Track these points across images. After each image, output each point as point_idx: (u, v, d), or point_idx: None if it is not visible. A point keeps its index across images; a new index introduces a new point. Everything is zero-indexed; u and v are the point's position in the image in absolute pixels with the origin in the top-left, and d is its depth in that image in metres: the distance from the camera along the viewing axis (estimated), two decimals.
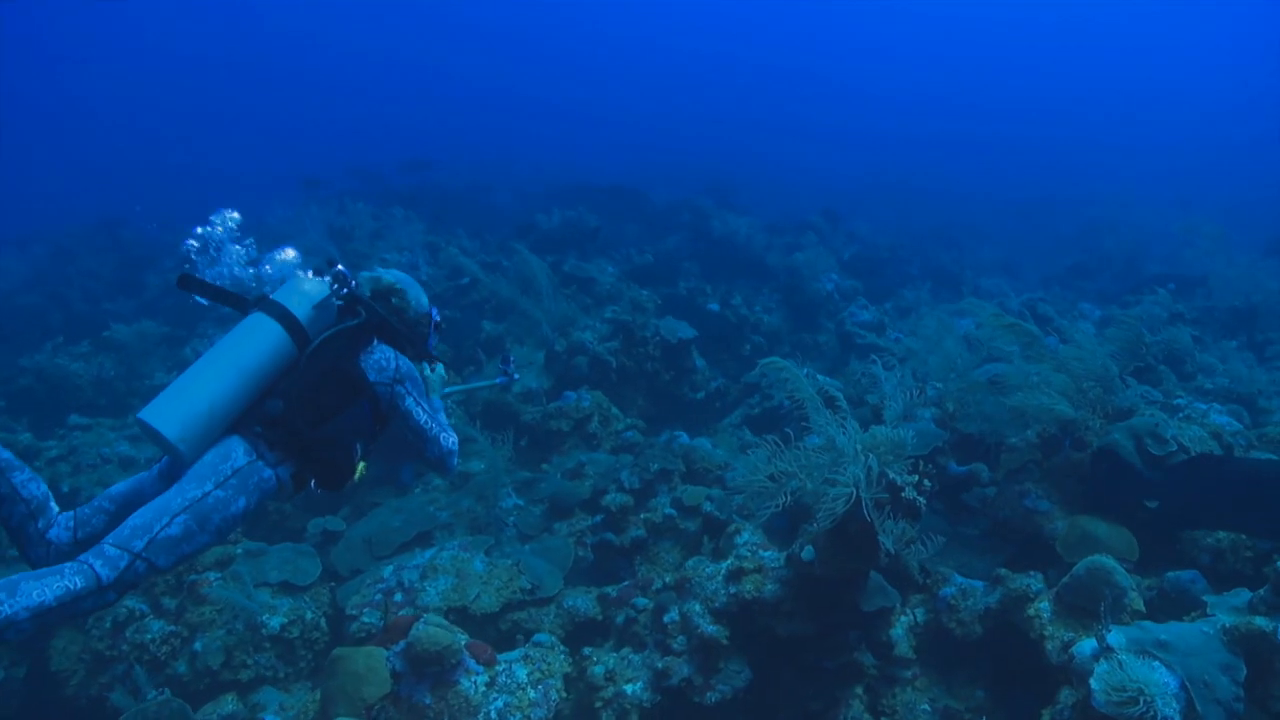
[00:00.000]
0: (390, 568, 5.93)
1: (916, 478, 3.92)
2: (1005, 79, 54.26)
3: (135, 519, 2.42)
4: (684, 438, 7.10)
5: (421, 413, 3.02)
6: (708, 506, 5.65)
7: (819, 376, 6.41)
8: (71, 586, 2.24)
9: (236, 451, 2.60)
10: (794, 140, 41.63)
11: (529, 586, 5.58)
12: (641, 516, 5.98)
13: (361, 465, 2.89)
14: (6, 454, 2.57)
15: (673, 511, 5.84)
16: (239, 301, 2.88)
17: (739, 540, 4.93)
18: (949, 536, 5.80)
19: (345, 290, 2.93)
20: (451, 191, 17.24)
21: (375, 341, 2.98)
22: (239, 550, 5.97)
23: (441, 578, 5.61)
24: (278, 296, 2.82)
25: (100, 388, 10.37)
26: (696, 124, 44.89)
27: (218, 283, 2.90)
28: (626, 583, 5.49)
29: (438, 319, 3.37)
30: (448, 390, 3.65)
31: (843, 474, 3.59)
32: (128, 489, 2.74)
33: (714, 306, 11.50)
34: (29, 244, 18.50)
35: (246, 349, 2.68)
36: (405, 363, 3.02)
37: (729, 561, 4.63)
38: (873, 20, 59.22)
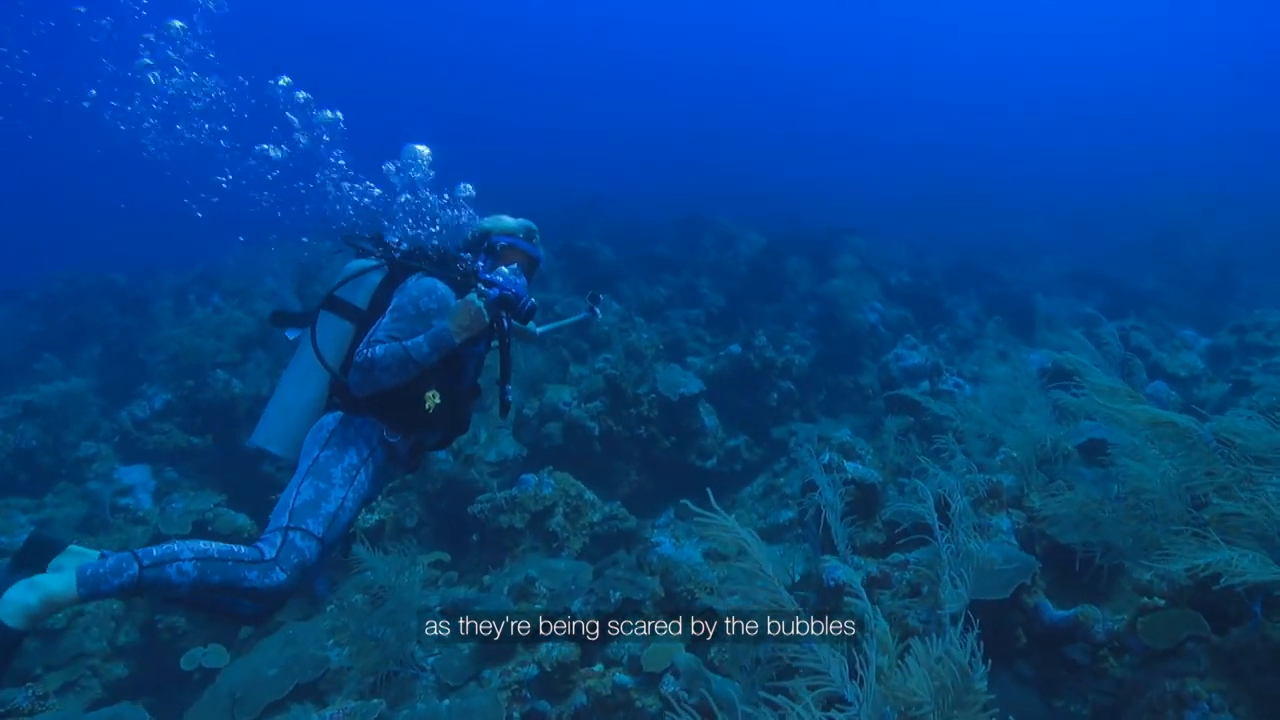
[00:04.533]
0: None
1: None
2: (1053, 83, 51.34)
3: (270, 516, 2.62)
4: (665, 546, 5.25)
5: (378, 330, 2.79)
6: (669, 686, 3.78)
7: (848, 465, 4.52)
8: (235, 548, 2.44)
9: (325, 420, 2.80)
10: (832, 154, 39.46)
11: None
12: (589, 680, 4.15)
13: (431, 394, 2.81)
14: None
15: (626, 680, 3.99)
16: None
17: None
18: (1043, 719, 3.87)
19: (368, 249, 3.04)
20: None
21: (412, 277, 2.93)
22: None
23: None
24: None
25: (20, 460, 8.96)
26: (717, 140, 42.99)
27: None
28: None
29: (499, 240, 3.20)
30: (540, 330, 3.75)
31: None
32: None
33: (734, 348, 9.66)
34: (23, 292, 17.65)
35: (305, 346, 2.91)
36: (415, 289, 2.86)
37: None
38: (912, 31, 56.87)
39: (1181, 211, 20.29)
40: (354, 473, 2.67)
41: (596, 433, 7.04)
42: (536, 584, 5.31)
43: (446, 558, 6.01)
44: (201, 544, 2.40)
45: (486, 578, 5.67)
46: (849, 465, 4.48)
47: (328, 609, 5.82)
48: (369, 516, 6.06)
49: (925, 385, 8.12)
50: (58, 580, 2.22)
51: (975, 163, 34.03)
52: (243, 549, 2.43)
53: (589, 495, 6.27)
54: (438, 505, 7.34)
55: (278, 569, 2.42)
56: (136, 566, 2.28)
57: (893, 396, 7.04)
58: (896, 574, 3.99)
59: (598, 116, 52.44)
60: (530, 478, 6.16)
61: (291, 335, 3.10)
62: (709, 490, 2.91)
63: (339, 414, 2.79)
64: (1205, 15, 48.36)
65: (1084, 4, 51.50)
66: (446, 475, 7.39)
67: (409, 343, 2.69)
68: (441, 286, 2.87)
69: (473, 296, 2.81)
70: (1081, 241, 20.07)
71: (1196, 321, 13.18)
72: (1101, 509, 3.48)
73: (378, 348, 2.66)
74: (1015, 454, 5.20)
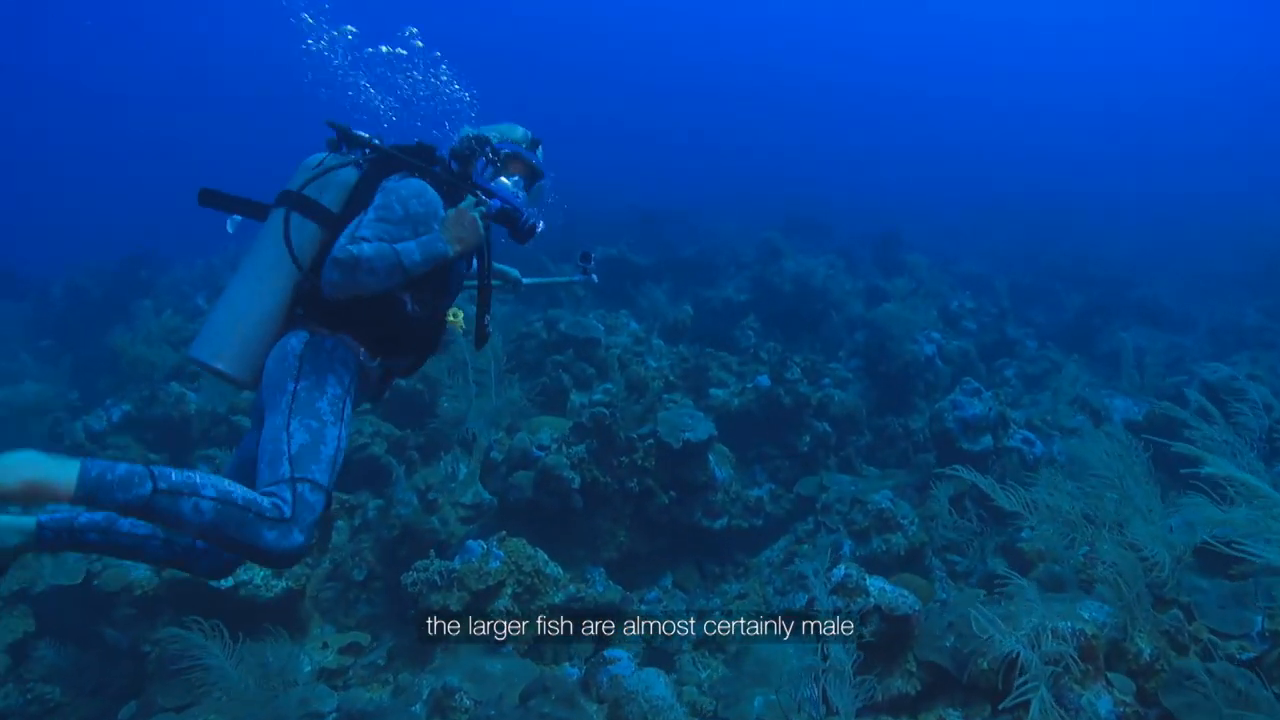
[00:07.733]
0: None
1: None
2: (1156, 95, 48.32)
3: (261, 463, 2.20)
4: (623, 665, 3.91)
5: (361, 227, 2.37)
6: None
7: (871, 584, 3.17)
8: (257, 497, 2.08)
9: (290, 342, 2.42)
10: (886, 164, 37.46)
11: None
12: None
13: (457, 312, 2.72)
14: (98, 515, 2.29)
15: None
16: (260, 207, 2.69)
17: None
18: None
19: (345, 141, 2.68)
20: None
21: (395, 176, 2.57)
22: None
23: None
24: (290, 184, 2.61)
25: None
26: (769, 146, 41.33)
27: None
28: None
29: (502, 147, 2.88)
30: (526, 281, 3.43)
31: None
32: (237, 456, 2.59)
33: (763, 380, 8.31)
34: (50, 283, 17.23)
35: (261, 247, 2.53)
36: (404, 189, 2.47)
37: None
38: (979, 35, 54.65)
39: None
40: (341, 404, 2.34)
41: (576, 485, 5.79)
42: (458, 695, 4.09)
43: (364, 640, 4.83)
44: (225, 483, 2.06)
45: (404, 675, 4.46)
46: (873, 584, 3.14)
47: (214, 696, 4.70)
48: (276, 582, 4.89)
49: (988, 441, 6.65)
50: (59, 467, 1.86)
51: (1059, 180, 31.70)
52: (265, 501, 2.07)
53: (550, 569, 5.01)
54: (396, 554, 6.20)
55: (295, 530, 2.09)
56: (150, 486, 1.94)
57: (945, 438, 5.53)
58: None
59: (655, 122, 51.31)
60: (476, 545, 4.92)
61: (230, 229, 2.73)
62: None
63: (304, 335, 2.41)
64: None
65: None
66: (405, 521, 6.27)
67: (400, 246, 2.35)
68: (431, 190, 2.52)
69: (469, 204, 2.54)
70: (1173, 267, 18.03)
71: None
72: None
73: (366, 246, 2.31)
74: (1104, 557, 3.77)
